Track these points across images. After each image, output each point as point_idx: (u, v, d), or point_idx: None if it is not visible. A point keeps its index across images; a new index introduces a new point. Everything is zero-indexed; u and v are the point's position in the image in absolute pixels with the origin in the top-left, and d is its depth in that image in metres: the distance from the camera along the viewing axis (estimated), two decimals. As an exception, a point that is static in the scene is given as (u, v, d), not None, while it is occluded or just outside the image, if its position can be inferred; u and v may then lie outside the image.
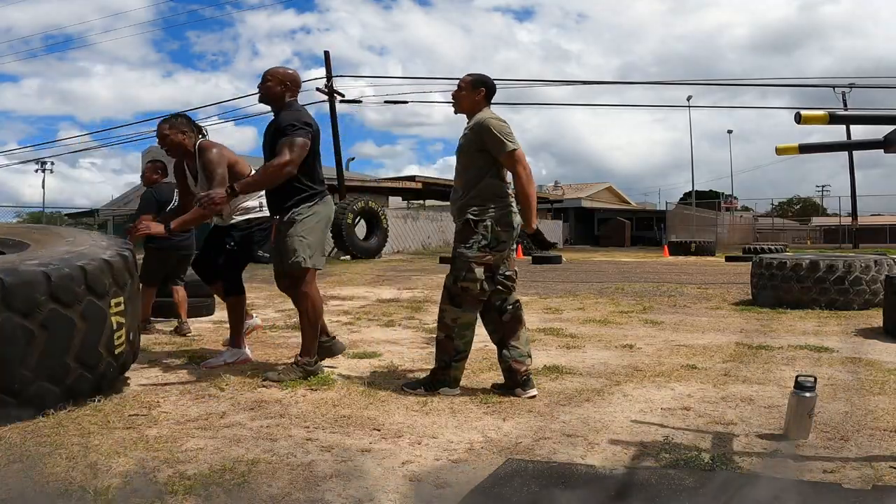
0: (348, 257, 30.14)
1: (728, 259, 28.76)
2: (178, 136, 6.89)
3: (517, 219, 5.65)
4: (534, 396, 5.49)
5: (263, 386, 5.83)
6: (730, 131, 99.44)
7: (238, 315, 7.13)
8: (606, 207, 72.58)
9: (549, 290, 15.31)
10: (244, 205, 7.09)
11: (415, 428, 4.67)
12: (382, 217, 32.62)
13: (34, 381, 4.67)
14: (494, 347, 7.39)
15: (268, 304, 12.32)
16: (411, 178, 46.65)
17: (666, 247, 37.93)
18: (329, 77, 35.15)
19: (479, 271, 5.52)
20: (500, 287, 5.72)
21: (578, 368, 6.57)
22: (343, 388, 5.79)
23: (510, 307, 5.74)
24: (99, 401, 5.15)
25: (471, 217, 5.56)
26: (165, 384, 5.93)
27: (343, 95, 35.90)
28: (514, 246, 5.85)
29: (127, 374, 5.98)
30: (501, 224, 5.56)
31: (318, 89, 35.33)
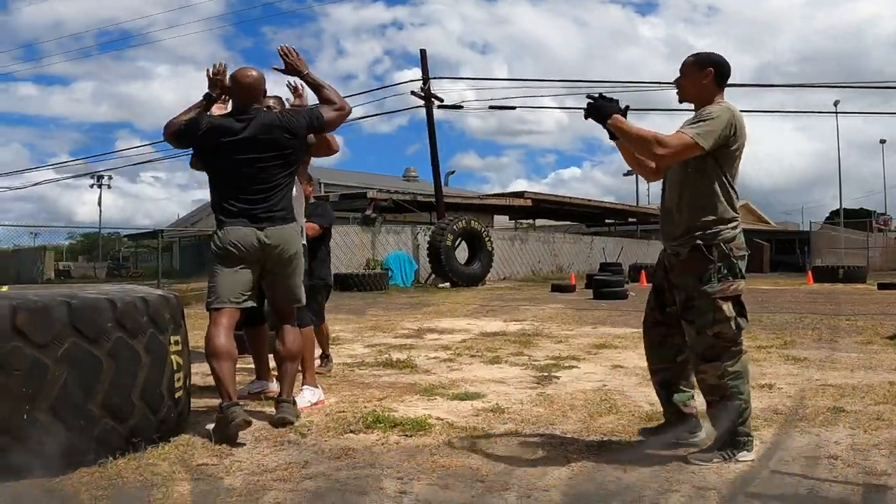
0: (448, 284, 30.27)
1: (881, 287, 28.10)
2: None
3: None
4: (702, 438, 5.32)
5: (351, 431, 5.81)
6: (882, 140, 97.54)
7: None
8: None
9: (679, 320, 15.04)
10: None
11: (524, 480, 4.59)
12: (486, 238, 32.72)
13: (100, 418, 4.76)
14: (615, 389, 7.34)
15: (356, 339, 12.39)
16: (519, 195, 46.69)
17: (810, 272, 37.46)
18: (426, 79, 35.35)
19: (728, 307, 4.99)
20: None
21: (713, 412, 6.40)
22: (442, 433, 5.75)
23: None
24: (164, 448, 5.20)
25: (701, 242, 5.03)
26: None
27: (441, 100, 36.14)
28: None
29: (193, 419, 6.05)
30: (735, 246, 5.06)
31: (412, 93, 35.58)
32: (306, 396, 6.97)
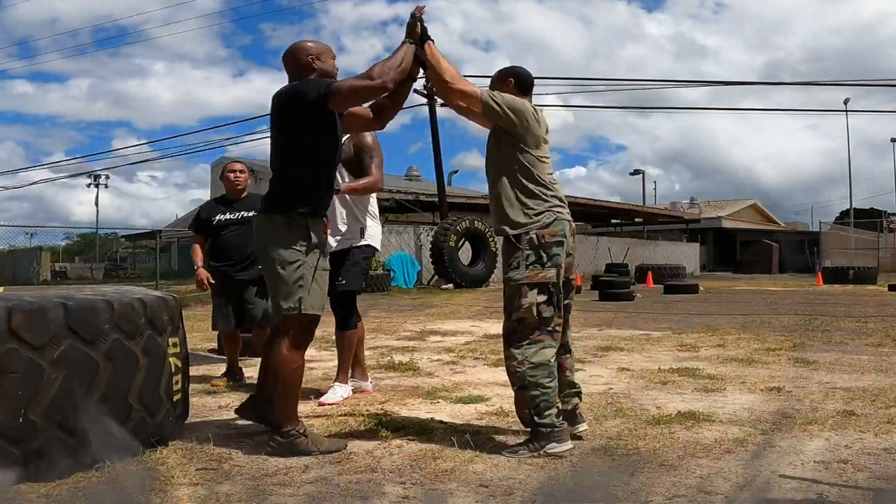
0: (451, 286, 30.19)
1: (891, 288, 28.14)
2: None
3: (566, 226, 5.55)
4: (582, 433, 5.66)
5: (352, 435, 5.81)
6: (894, 139, 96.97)
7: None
8: (750, 228, 71.86)
9: (684, 323, 15.18)
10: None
11: (528, 485, 4.58)
12: (490, 239, 32.56)
13: (96, 420, 4.73)
14: (621, 392, 7.36)
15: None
16: (523, 194, 46.49)
17: (820, 273, 37.72)
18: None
19: (533, 294, 5.35)
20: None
21: (717, 415, 6.43)
22: (445, 437, 5.72)
23: None
24: (162, 452, 5.20)
25: (509, 231, 5.47)
26: (239, 433, 5.95)
27: (445, 98, 35.91)
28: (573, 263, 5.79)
29: (192, 422, 6.05)
30: (548, 234, 5.43)
31: (415, 91, 35.39)
32: (338, 392, 7.31)
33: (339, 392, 7.30)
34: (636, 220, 60.70)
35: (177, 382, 5.52)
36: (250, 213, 8.15)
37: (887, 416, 6.22)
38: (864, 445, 5.38)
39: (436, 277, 31.67)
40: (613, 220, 60.87)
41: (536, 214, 5.45)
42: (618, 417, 6.34)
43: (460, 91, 5.51)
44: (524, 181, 5.50)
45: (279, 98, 5.56)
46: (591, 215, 56.10)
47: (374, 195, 7.81)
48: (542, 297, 5.35)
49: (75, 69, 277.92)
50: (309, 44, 5.85)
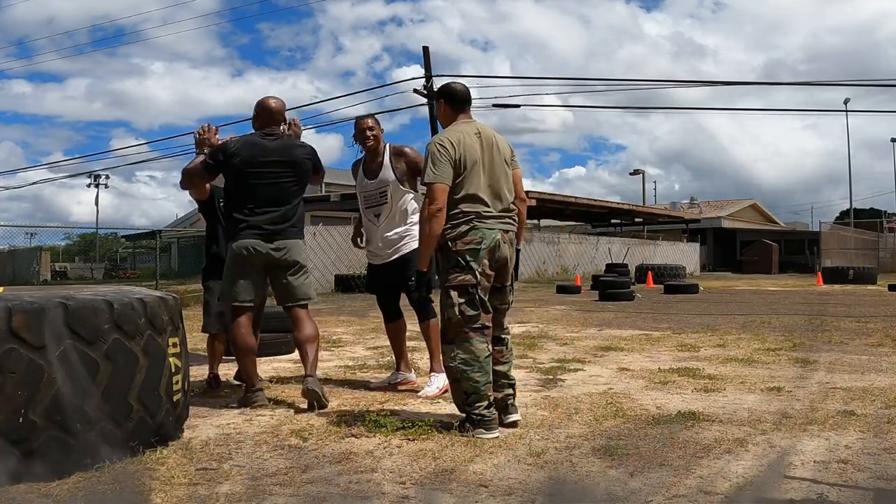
0: (451, 286, 30.08)
1: (891, 288, 28.24)
2: (380, 133, 7.98)
3: (490, 234, 6.01)
4: (515, 423, 6.08)
5: (352, 435, 5.81)
6: (894, 139, 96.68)
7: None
8: (750, 228, 71.74)
9: (684, 323, 15.22)
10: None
11: (528, 485, 4.58)
12: (490, 239, 32.46)
13: (97, 421, 4.73)
14: (622, 392, 7.35)
15: (357, 341, 12.39)
16: (523, 194, 46.39)
17: (819, 273, 37.75)
18: (428, 76, 35.11)
19: (455, 295, 5.94)
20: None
21: (718, 414, 6.43)
22: (445, 437, 5.72)
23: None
24: (162, 452, 5.18)
25: (439, 241, 6.06)
26: (239, 433, 5.94)
27: (445, 98, 35.78)
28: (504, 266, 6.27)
29: (192, 422, 6.04)
30: (461, 242, 5.96)
31: (415, 90, 35.30)
32: (434, 383, 7.57)
33: (435, 383, 7.59)
34: (636, 220, 60.56)
35: (177, 382, 5.52)
36: None
37: (888, 416, 6.22)
38: (864, 445, 5.37)
39: (435, 277, 31.57)
40: (613, 220, 60.64)
41: (452, 225, 6.00)
42: (618, 417, 6.35)
43: (443, 198, 5.99)
44: (453, 201, 6.02)
45: (313, 155, 7.35)
46: (591, 215, 55.89)
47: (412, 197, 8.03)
48: (463, 299, 5.93)
49: (73, 69, 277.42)
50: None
